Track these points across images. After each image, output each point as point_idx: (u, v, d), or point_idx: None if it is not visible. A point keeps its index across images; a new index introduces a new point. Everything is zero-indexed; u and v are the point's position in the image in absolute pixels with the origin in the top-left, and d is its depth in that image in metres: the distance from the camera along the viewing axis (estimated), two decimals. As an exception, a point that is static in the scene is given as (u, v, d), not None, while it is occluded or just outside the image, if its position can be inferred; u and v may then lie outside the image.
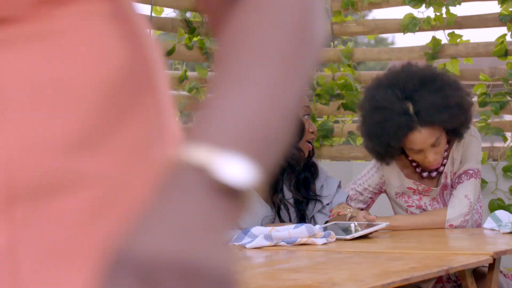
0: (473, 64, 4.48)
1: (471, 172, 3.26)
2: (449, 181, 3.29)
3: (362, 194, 3.40)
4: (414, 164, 3.31)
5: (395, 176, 3.34)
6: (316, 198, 3.27)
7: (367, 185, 3.39)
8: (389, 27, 4.62)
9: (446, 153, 3.30)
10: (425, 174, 3.31)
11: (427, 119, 3.08)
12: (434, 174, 3.31)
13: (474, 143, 3.31)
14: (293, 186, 3.26)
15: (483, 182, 4.22)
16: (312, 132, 3.21)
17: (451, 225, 3.21)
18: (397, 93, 3.10)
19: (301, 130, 3.17)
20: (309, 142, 3.22)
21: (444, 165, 3.29)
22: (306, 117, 3.20)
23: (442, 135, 3.16)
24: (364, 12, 4.72)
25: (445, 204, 3.29)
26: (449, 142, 3.29)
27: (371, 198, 3.42)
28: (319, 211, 3.27)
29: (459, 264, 2.33)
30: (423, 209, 3.32)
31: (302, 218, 3.24)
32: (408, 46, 4.57)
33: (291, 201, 3.24)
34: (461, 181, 3.25)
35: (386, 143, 3.16)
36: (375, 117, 3.15)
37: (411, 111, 3.08)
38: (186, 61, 4.50)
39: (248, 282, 2.05)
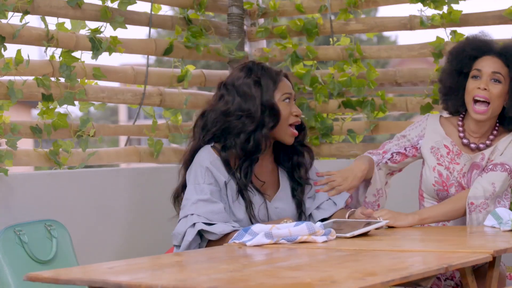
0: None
1: (507, 167, 3.33)
2: (484, 163, 3.36)
3: (398, 139, 3.51)
4: (460, 128, 3.42)
5: (436, 131, 3.45)
6: (307, 182, 3.29)
7: (408, 133, 3.50)
8: (388, 25, 4.62)
9: (492, 137, 3.40)
10: (465, 141, 3.40)
11: (506, 53, 3.37)
12: (472, 146, 3.39)
13: None
14: (287, 174, 3.28)
15: None
16: (296, 115, 3.17)
17: (472, 203, 3.23)
18: (490, 42, 3.45)
19: (276, 116, 3.13)
20: (294, 125, 3.19)
21: (488, 146, 3.38)
22: (286, 101, 3.17)
23: (504, 83, 3.34)
24: (367, 10, 4.71)
25: (470, 182, 3.36)
26: (498, 127, 3.41)
27: (405, 149, 3.49)
28: (318, 207, 3.27)
29: (459, 262, 2.33)
30: (450, 172, 3.38)
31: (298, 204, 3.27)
32: (408, 44, 4.56)
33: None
34: (494, 169, 3.32)
35: (461, 64, 3.41)
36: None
37: (497, 47, 3.41)
38: (185, 59, 4.50)
39: (248, 279, 2.05)
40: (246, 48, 4.88)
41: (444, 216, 3.29)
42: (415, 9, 4.43)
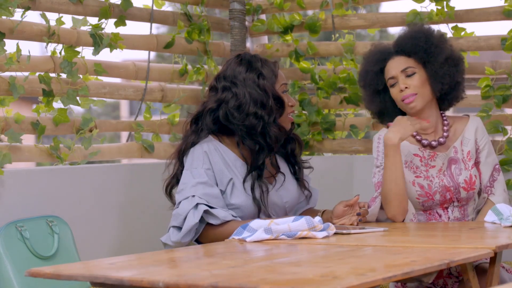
0: (474, 57, 4.46)
1: (497, 167, 3.39)
2: (460, 156, 3.34)
3: (379, 172, 3.36)
4: (414, 133, 3.37)
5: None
6: (307, 166, 3.42)
7: (380, 162, 3.37)
8: (390, 20, 4.61)
9: (446, 127, 3.38)
10: (425, 142, 3.36)
11: (401, 47, 3.35)
12: (434, 143, 3.36)
13: (486, 132, 3.40)
14: (284, 160, 3.39)
15: None
16: (292, 106, 3.28)
17: None
18: (384, 48, 3.45)
19: (282, 106, 3.24)
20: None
21: (446, 137, 3.36)
22: (285, 93, 3.28)
23: (418, 71, 3.32)
24: (369, 6, 4.71)
25: (453, 178, 3.32)
26: (445, 116, 3.40)
27: None
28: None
29: (460, 258, 2.33)
30: (430, 181, 3.32)
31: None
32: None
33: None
34: (495, 178, 3.36)
35: (374, 85, 3.40)
36: (365, 65, 3.46)
37: (391, 48, 3.40)
38: (186, 55, 4.49)
39: (250, 275, 2.05)
40: (248, 44, 4.88)
41: None
42: (417, 5, 4.42)
